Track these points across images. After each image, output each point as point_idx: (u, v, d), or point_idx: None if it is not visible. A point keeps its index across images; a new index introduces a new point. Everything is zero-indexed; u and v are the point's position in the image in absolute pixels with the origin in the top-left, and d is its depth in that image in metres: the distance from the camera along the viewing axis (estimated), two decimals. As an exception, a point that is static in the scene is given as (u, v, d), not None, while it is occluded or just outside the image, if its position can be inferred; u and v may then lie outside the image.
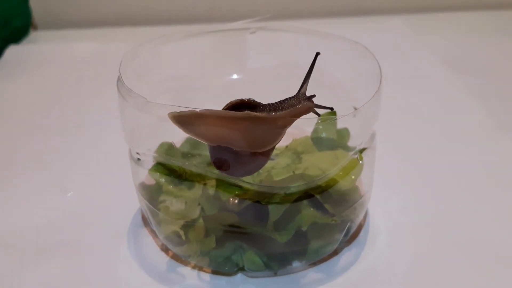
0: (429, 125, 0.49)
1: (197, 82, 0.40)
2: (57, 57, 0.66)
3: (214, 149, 0.27)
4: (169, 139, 0.33)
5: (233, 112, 0.25)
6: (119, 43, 0.57)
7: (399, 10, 0.79)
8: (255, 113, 0.25)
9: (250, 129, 0.25)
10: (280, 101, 0.27)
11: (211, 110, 0.25)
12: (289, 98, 0.27)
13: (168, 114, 0.25)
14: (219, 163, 0.27)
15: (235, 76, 0.40)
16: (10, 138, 0.49)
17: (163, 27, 0.75)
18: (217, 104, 0.27)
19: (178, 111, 0.25)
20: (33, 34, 0.75)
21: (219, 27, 0.38)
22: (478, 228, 0.36)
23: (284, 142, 0.30)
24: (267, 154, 0.27)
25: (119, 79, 0.30)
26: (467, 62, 0.61)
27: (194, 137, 0.26)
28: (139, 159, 0.33)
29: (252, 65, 0.41)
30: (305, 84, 0.27)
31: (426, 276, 0.32)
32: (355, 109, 0.31)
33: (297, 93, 0.27)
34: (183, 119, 0.25)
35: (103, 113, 0.51)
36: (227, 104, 0.27)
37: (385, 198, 0.38)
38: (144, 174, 0.33)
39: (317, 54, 0.28)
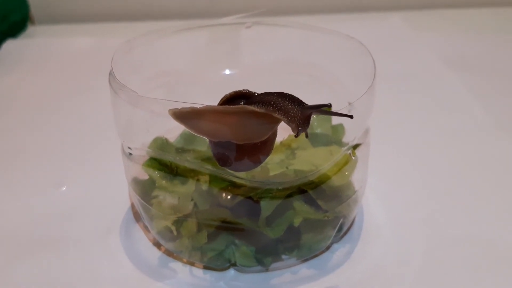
0: (426, 122, 0.49)
1: (192, 76, 0.40)
2: (54, 52, 0.66)
3: (215, 145, 0.27)
4: (161, 133, 0.33)
5: (231, 106, 0.25)
6: (116, 38, 0.56)
7: (397, 7, 0.79)
8: (251, 107, 0.24)
9: (246, 123, 0.25)
10: (281, 97, 0.25)
11: (210, 106, 0.25)
12: (291, 103, 0.25)
13: (169, 111, 0.25)
14: (220, 158, 0.27)
15: (230, 71, 0.40)
16: (6, 132, 0.49)
17: (161, 23, 0.75)
18: (212, 99, 0.26)
19: (179, 107, 0.25)
20: (30, 29, 0.74)
21: (214, 21, 0.38)
22: (473, 225, 0.36)
23: (278, 137, 0.29)
24: (268, 148, 0.27)
25: (111, 73, 0.30)
26: (465, 59, 0.61)
27: (195, 134, 0.26)
28: (130, 154, 0.33)
29: (247, 60, 0.41)
30: (312, 111, 0.25)
31: (420, 272, 0.32)
32: (349, 103, 0.30)
33: (299, 106, 0.25)
34: (184, 116, 0.25)
35: (99, 107, 0.51)
36: (222, 98, 0.27)
37: (379, 194, 0.38)
38: (136, 169, 0.33)
39: (329, 105, 0.27)
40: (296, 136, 0.25)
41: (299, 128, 0.25)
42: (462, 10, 0.77)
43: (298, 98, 0.26)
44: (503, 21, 0.73)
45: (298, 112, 0.25)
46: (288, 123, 0.25)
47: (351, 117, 0.26)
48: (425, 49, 0.64)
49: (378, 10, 0.79)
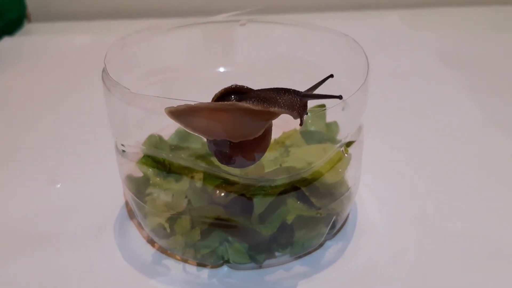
0: (421, 119, 0.49)
1: (186, 74, 0.40)
2: (51, 49, 0.66)
3: (214, 143, 0.26)
4: (155, 131, 0.33)
5: (224, 103, 0.25)
6: (113, 35, 0.56)
7: (395, 5, 0.79)
8: (246, 104, 0.24)
9: (239, 120, 0.25)
10: (276, 92, 0.25)
11: (204, 102, 0.24)
12: (287, 94, 0.25)
13: (165, 109, 0.25)
14: (223, 158, 0.27)
15: (224, 69, 0.40)
16: (1, 129, 0.49)
17: (157, 20, 0.75)
18: (206, 97, 0.26)
19: (173, 105, 0.24)
20: (27, 26, 0.74)
21: (208, 19, 0.37)
22: (466, 221, 0.36)
23: (273, 135, 0.30)
24: (265, 144, 0.26)
25: (104, 71, 0.30)
26: (462, 57, 0.61)
27: (191, 132, 0.25)
28: (124, 151, 0.33)
29: (241, 58, 0.41)
30: (308, 98, 0.26)
31: (413, 269, 0.32)
32: (343, 101, 0.30)
33: (296, 94, 0.25)
34: (179, 113, 0.25)
35: (95, 105, 0.51)
36: (213, 98, 0.26)
37: (372, 191, 0.38)
38: (129, 166, 0.33)
39: (331, 76, 0.27)
40: (301, 124, 0.25)
41: (302, 115, 0.25)
42: (459, 9, 0.77)
43: (292, 89, 0.26)
44: (499, 19, 0.73)
45: (297, 100, 0.25)
46: (289, 113, 0.25)
47: (340, 97, 0.26)
48: (422, 46, 0.64)
49: (376, 8, 0.79)
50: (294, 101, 0.25)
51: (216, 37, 0.39)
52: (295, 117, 0.25)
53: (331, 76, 0.26)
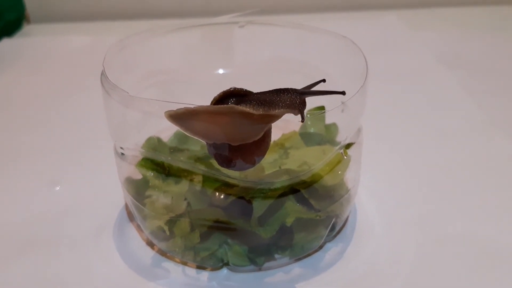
0: (420, 120, 0.49)
1: (185, 76, 0.40)
2: (50, 51, 0.66)
3: (214, 147, 0.26)
4: (154, 133, 0.33)
5: (222, 106, 0.25)
6: (112, 36, 0.56)
7: (394, 5, 0.79)
8: (247, 109, 0.24)
9: (238, 123, 0.25)
10: (276, 93, 0.25)
11: (203, 106, 0.24)
12: (286, 94, 0.25)
13: (165, 113, 0.25)
14: (223, 161, 0.26)
15: (223, 71, 0.40)
16: (0, 131, 0.49)
17: (157, 21, 0.75)
18: (205, 99, 0.26)
19: (172, 108, 0.24)
20: (26, 28, 0.74)
21: (207, 20, 0.37)
22: (465, 224, 0.36)
23: (272, 137, 0.29)
24: (264, 147, 0.26)
25: (103, 74, 0.30)
26: (461, 57, 0.61)
27: (190, 135, 0.25)
28: (122, 154, 0.33)
29: (241, 59, 0.41)
30: (307, 95, 0.26)
31: (412, 271, 0.32)
32: (342, 103, 0.30)
33: (295, 93, 0.25)
34: (179, 117, 0.24)
35: (94, 106, 0.51)
36: (212, 101, 0.26)
37: (372, 193, 0.38)
38: (129, 169, 0.33)
39: (323, 80, 0.27)
40: (302, 121, 0.25)
41: (302, 111, 0.25)
42: (458, 9, 0.77)
43: (290, 88, 0.26)
44: (497, 19, 0.73)
45: (297, 98, 0.25)
46: (290, 112, 0.25)
47: (343, 93, 0.26)
48: (421, 47, 0.64)
49: (375, 8, 0.79)
50: (294, 99, 0.25)
51: (215, 39, 0.40)
52: (295, 114, 0.25)
53: (323, 80, 0.27)
